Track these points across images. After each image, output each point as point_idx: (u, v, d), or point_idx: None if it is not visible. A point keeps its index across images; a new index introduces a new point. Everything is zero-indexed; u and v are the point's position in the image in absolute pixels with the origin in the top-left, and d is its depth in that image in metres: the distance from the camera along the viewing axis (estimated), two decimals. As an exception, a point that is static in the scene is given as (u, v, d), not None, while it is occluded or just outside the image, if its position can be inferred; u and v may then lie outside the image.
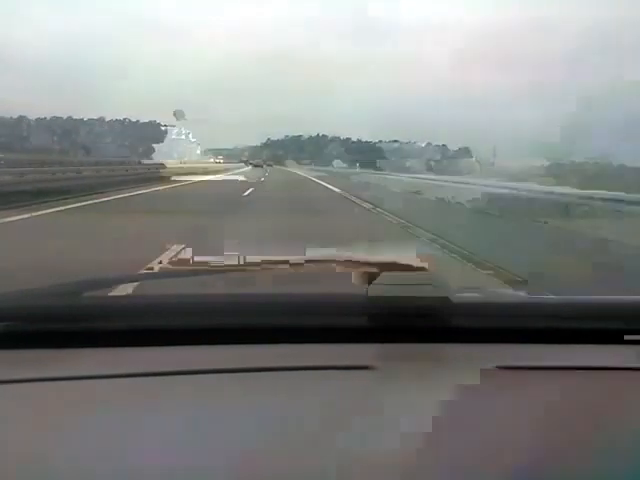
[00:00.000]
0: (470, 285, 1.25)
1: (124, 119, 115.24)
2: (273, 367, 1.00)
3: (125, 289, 1.14)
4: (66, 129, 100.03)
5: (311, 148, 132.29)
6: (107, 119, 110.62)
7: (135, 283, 1.14)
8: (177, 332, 1.10)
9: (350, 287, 1.20)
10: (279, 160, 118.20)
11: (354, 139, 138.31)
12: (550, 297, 1.39)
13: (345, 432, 0.79)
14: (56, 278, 1.21)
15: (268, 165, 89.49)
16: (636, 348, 1.14)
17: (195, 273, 1.32)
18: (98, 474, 0.69)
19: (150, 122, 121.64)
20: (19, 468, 0.70)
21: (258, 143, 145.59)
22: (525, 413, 0.88)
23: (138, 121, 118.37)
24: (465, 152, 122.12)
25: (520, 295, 1.49)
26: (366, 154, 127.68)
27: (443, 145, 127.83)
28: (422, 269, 1.13)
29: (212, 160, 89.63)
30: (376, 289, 1.09)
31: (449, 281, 1.12)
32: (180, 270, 1.18)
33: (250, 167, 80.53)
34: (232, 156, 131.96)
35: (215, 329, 1.11)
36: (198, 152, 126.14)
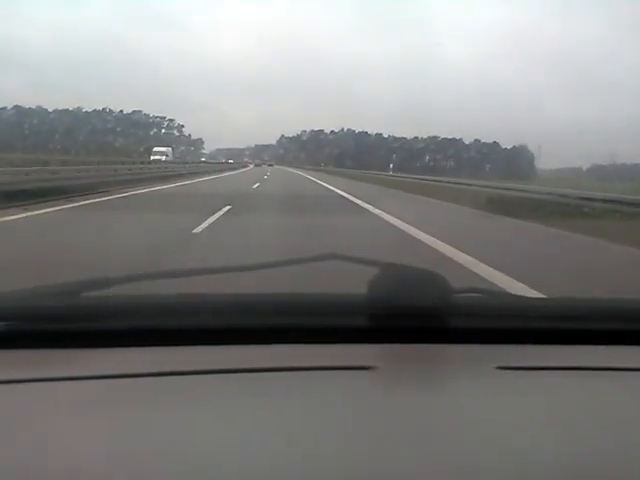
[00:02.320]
0: (470, 285, 1.24)
1: (103, 109, 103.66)
2: (273, 367, 1.00)
3: (125, 289, 1.13)
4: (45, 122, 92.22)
5: (326, 146, 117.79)
6: (84, 109, 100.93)
7: (135, 283, 1.14)
8: (177, 332, 1.10)
9: (350, 287, 1.20)
10: (282, 160, 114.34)
11: (385, 135, 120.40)
12: (550, 297, 1.39)
13: (345, 432, 0.79)
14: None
15: (269, 165, 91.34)
16: (636, 348, 1.14)
17: (195, 273, 1.33)
18: (98, 474, 0.69)
19: (135, 112, 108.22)
20: (19, 468, 0.70)
21: (266, 142, 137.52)
22: (525, 413, 0.88)
23: (122, 111, 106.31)
24: (521, 151, 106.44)
25: (520, 295, 1.49)
26: (397, 152, 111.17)
27: (494, 142, 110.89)
28: (422, 269, 1.13)
29: (207, 161, 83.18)
30: (376, 289, 1.09)
31: (449, 281, 1.12)
32: (180, 270, 1.18)
33: (251, 167, 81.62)
34: (241, 155, 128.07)
35: (215, 329, 1.11)
36: (204, 150, 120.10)
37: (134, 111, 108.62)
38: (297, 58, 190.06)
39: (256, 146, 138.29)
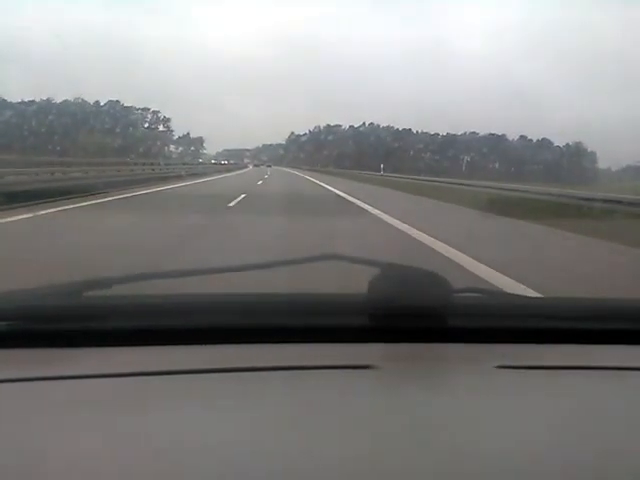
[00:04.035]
0: (470, 285, 1.25)
1: (75, 99, 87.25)
2: (273, 367, 1.00)
3: (125, 289, 1.14)
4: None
5: (345, 144, 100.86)
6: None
7: (136, 283, 1.14)
8: (177, 332, 1.11)
9: (351, 287, 1.20)
10: (283, 160, 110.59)
11: (414, 130, 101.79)
12: (550, 297, 1.40)
13: (345, 432, 0.79)
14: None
15: (267, 166, 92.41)
16: (636, 348, 1.14)
17: (196, 273, 1.33)
18: (98, 474, 0.69)
19: (110, 102, 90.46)
20: (19, 468, 0.70)
21: (274, 142, 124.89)
22: (525, 413, 0.88)
23: (98, 102, 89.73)
24: (577, 150, 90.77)
25: (520, 295, 1.49)
26: (430, 151, 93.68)
27: (543, 139, 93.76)
28: (422, 269, 1.13)
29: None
30: (376, 289, 1.10)
31: (449, 281, 1.13)
32: (181, 270, 1.18)
33: (251, 167, 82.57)
34: (251, 155, 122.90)
35: (215, 329, 1.11)
36: (205, 150, 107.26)
37: (109, 101, 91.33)
38: (305, 52, 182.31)
39: (263, 145, 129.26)
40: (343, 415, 0.85)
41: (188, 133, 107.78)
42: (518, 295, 1.50)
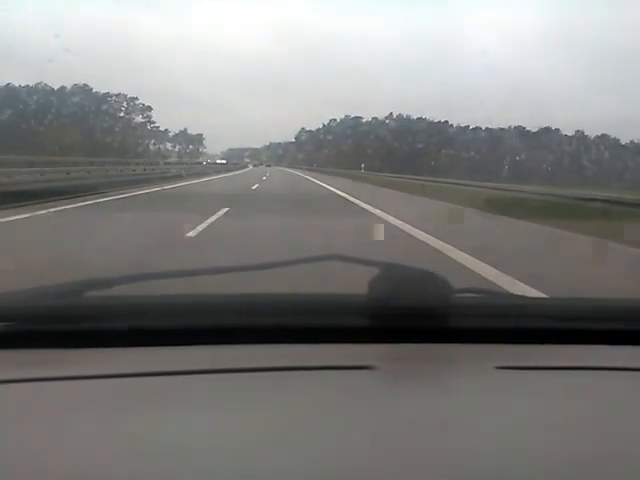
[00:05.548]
0: (470, 285, 1.25)
1: (37, 84, 71.30)
2: (273, 367, 1.00)
3: (125, 289, 1.14)
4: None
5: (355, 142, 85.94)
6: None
7: (135, 283, 1.14)
8: (177, 332, 1.11)
9: (351, 287, 1.20)
10: (281, 160, 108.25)
11: (451, 123, 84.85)
12: (550, 297, 1.40)
13: (345, 432, 0.79)
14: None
15: (267, 166, 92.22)
16: (636, 348, 1.14)
17: (195, 273, 1.33)
18: (97, 474, 0.69)
19: (76, 87, 73.74)
20: (19, 468, 0.70)
21: (282, 140, 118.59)
22: (525, 413, 0.88)
23: (64, 87, 72.92)
24: None
25: (520, 295, 1.49)
26: (471, 147, 78.84)
27: (602, 135, 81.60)
28: (422, 269, 1.13)
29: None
30: (376, 289, 1.10)
31: (449, 281, 1.13)
32: (181, 270, 1.18)
33: (251, 167, 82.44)
34: (256, 155, 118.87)
35: (215, 329, 1.11)
36: (206, 149, 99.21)
37: (75, 85, 74.51)
38: (312, 50, 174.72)
39: (271, 144, 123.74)
40: (343, 416, 0.85)
41: (185, 129, 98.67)
42: (518, 295, 1.50)
